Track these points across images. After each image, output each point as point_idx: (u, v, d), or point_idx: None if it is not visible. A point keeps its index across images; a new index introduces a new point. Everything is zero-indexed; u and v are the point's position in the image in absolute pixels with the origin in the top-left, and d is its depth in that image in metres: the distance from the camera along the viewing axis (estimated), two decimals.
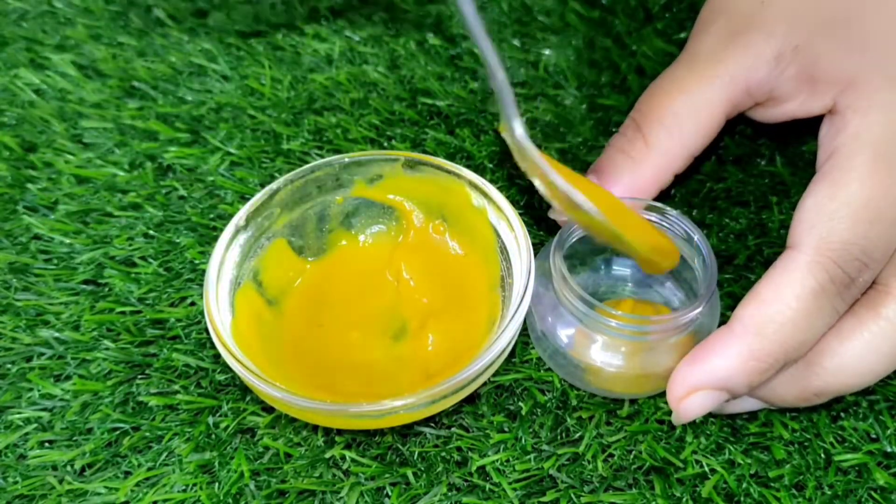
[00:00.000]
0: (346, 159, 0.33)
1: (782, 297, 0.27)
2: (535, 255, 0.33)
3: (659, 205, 0.31)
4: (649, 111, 0.32)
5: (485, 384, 0.32)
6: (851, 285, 0.27)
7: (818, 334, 0.27)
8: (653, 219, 0.32)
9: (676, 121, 0.31)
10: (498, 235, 0.32)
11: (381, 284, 0.34)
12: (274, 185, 0.32)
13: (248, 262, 0.32)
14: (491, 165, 0.40)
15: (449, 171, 0.33)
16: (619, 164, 0.32)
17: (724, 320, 0.32)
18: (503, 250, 0.32)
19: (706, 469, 0.30)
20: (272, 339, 0.31)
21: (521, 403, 0.32)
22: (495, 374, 0.32)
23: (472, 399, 0.32)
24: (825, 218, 0.27)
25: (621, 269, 0.35)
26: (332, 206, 0.34)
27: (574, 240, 0.32)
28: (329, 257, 0.34)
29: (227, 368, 0.33)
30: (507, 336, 0.28)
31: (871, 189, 0.27)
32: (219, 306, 0.29)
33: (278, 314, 0.32)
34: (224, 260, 0.31)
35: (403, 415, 0.28)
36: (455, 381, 0.27)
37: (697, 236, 0.30)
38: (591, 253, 0.34)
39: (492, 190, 0.32)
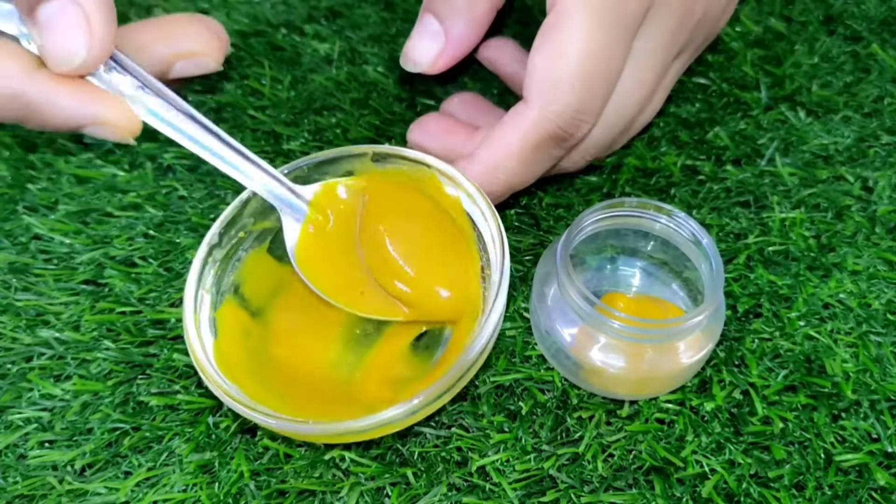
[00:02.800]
0: (315, 159, 0.33)
1: (510, 146, 0.32)
2: (541, 253, 0.34)
3: (666, 206, 0.31)
4: None
5: (485, 384, 0.32)
6: (570, 138, 0.32)
7: (538, 174, 0.34)
8: (661, 220, 0.32)
9: None
10: (473, 224, 0.32)
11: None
12: (244, 195, 0.32)
13: (227, 278, 0.32)
14: None
15: (417, 161, 0.33)
16: (458, 5, 0.35)
17: (725, 319, 0.32)
18: (480, 238, 0.32)
19: (706, 469, 0.30)
20: (259, 353, 0.30)
21: (521, 403, 0.32)
22: (495, 374, 0.32)
23: (472, 399, 0.32)
24: (550, 82, 0.31)
25: (627, 268, 0.35)
26: None
27: (581, 239, 0.32)
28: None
29: None
30: (488, 329, 0.28)
31: (587, 54, 0.31)
32: (199, 330, 0.29)
33: (264, 325, 0.32)
34: (201, 281, 0.30)
35: (391, 426, 0.27)
36: (440, 385, 0.27)
37: (706, 240, 0.30)
38: (597, 252, 0.34)
39: (462, 179, 0.32)
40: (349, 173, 0.33)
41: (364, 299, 0.32)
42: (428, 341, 0.32)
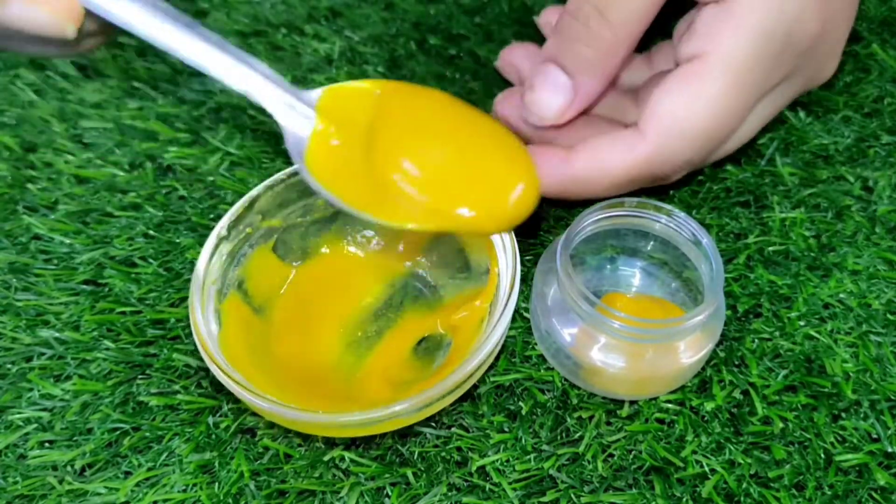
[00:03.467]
0: None
1: (611, 169, 0.32)
2: (541, 253, 0.34)
3: (666, 206, 0.31)
4: None
5: (485, 384, 0.32)
6: (666, 179, 0.34)
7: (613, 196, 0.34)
8: (661, 220, 0.32)
9: (638, 7, 0.31)
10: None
11: (366, 286, 0.34)
12: (253, 192, 0.32)
13: (232, 272, 0.32)
14: None
15: None
16: (589, 60, 0.32)
17: (725, 319, 0.32)
18: (489, 246, 0.32)
19: (706, 469, 0.30)
20: (261, 348, 0.31)
21: (521, 403, 0.32)
22: (495, 374, 0.32)
23: (472, 399, 0.32)
24: (672, 128, 0.31)
25: (627, 268, 0.35)
26: (314, 209, 0.34)
27: (581, 239, 0.32)
28: (313, 262, 0.34)
29: None
30: (496, 335, 0.28)
31: (717, 114, 0.31)
32: (205, 318, 0.29)
33: (266, 322, 0.32)
34: (208, 271, 0.30)
35: (397, 420, 0.28)
36: (446, 383, 0.27)
37: (706, 240, 0.30)
38: (597, 252, 0.34)
39: None
40: None
41: (379, 203, 0.30)
42: (428, 345, 0.32)
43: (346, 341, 0.32)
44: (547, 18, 0.42)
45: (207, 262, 0.31)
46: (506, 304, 0.29)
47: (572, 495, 0.29)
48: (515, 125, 0.38)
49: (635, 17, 0.31)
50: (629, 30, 0.31)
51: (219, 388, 0.32)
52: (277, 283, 0.33)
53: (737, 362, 0.33)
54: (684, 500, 0.29)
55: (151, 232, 0.38)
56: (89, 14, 0.26)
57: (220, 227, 0.31)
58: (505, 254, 0.30)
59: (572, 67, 0.33)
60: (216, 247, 0.31)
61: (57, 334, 0.34)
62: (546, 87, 0.33)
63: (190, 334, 0.34)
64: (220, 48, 0.28)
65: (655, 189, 0.39)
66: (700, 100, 0.31)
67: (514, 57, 0.42)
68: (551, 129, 0.36)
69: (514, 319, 0.34)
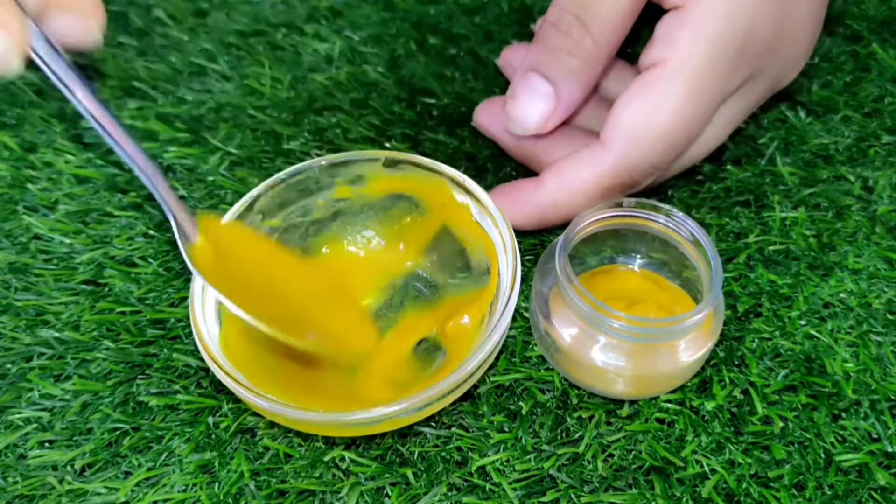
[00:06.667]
0: (326, 161, 0.33)
1: (581, 185, 0.33)
2: (541, 253, 0.34)
3: (665, 206, 0.31)
4: (590, 4, 0.32)
5: (485, 384, 0.32)
6: (636, 186, 0.34)
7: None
8: (659, 220, 0.32)
9: (618, 14, 0.31)
10: (483, 231, 0.32)
11: (366, 286, 0.34)
12: (254, 192, 0.32)
13: None
14: (491, 166, 0.40)
15: (430, 169, 0.33)
16: (571, 68, 0.32)
17: (725, 319, 0.32)
18: (490, 245, 0.32)
19: (706, 469, 0.30)
20: (261, 348, 0.30)
21: (521, 403, 0.32)
22: (495, 374, 0.32)
23: (472, 399, 0.32)
24: (635, 137, 0.32)
25: (626, 269, 0.35)
26: (314, 209, 0.34)
27: (580, 239, 0.32)
28: (313, 261, 0.34)
29: None
30: (497, 335, 0.28)
31: (678, 119, 0.31)
32: (205, 318, 0.29)
33: None
34: None
35: (397, 420, 0.28)
36: (447, 383, 0.27)
37: (705, 240, 0.30)
38: (597, 252, 0.34)
39: (473, 186, 0.32)
40: (359, 177, 0.34)
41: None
42: (428, 346, 0.32)
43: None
44: (507, 59, 0.42)
45: None
46: (506, 304, 0.29)
47: (572, 495, 0.29)
48: (495, 134, 0.38)
49: (614, 25, 0.32)
50: (609, 37, 0.32)
51: (219, 388, 0.32)
52: None
53: (737, 362, 0.33)
54: (684, 500, 0.29)
55: (151, 232, 0.38)
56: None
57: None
58: (506, 254, 0.30)
59: (555, 76, 0.33)
60: None
61: (57, 334, 0.34)
62: (528, 95, 0.33)
63: (190, 334, 0.34)
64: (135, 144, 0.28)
65: (655, 189, 0.39)
66: (659, 107, 0.31)
67: (515, 57, 0.41)
68: (532, 139, 0.36)
69: (514, 319, 0.34)
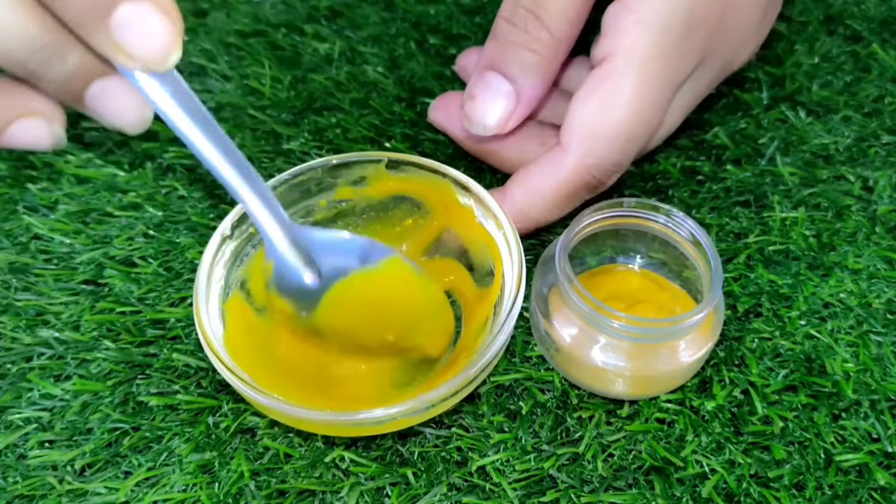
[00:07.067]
0: (329, 162, 0.33)
1: (545, 190, 0.32)
2: (541, 253, 0.34)
3: (665, 206, 0.31)
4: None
5: (484, 384, 0.32)
6: (601, 186, 0.33)
7: (565, 213, 0.34)
8: (659, 220, 0.32)
9: (573, 5, 0.31)
10: (487, 233, 0.32)
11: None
12: None
13: (235, 271, 0.32)
14: (490, 167, 0.40)
15: (432, 170, 0.33)
16: (529, 63, 0.32)
17: (725, 319, 0.32)
18: (493, 247, 0.32)
19: (706, 469, 0.30)
20: (264, 348, 0.30)
21: (521, 403, 0.32)
22: (495, 374, 0.32)
23: (472, 399, 0.32)
24: (592, 137, 0.31)
25: (626, 269, 0.35)
26: (317, 209, 0.34)
27: (580, 239, 0.32)
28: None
29: None
30: (502, 337, 0.28)
31: (633, 113, 0.31)
32: (209, 316, 0.29)
33: (268, 322, 0.32)
34: (212, 271, 0.30)
35: (401, 420, 0.27)
36: (451, 384, 0.27)
37: (705, 240, 0.30)
38: (597, 252, 0.34)
39: (477, 187, 0.32)
40: (362, 178, 0.34)
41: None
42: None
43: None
44: (463, 65, 0.41)
45: (211, 261, 0.30)
46: (512, 305, 0.28)
47: (572, 495, 0.29)
48: (452, 132, 0.38)
49: (570, 16, 0.31)
50: (566, 29, 0.31)
51: (219, 388, 0.32)
52: None
53: (737, 362, 0.33)
54: (684, 500, 0.29)
55: (151, 232, 0.38)
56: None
57: (224, 226, 0.31)
58: (510, 255, 0.30)
59: (513, 72, 0.32)
60: (220, 245, 0.31)
61: (57, 334, 0.34)
62: (488, 95, 0.33)
63: (190, 334, 0.34)
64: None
65: (655, 189, 0.39)
66: (613, 103, 0.31)
67: (471, 62, 0.41)
68: (494, 140, 0.35)
69: None
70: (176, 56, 0.22)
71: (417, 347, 0.31)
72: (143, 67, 0.22)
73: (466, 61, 0.41)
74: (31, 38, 0.23)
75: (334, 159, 0.33)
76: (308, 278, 0.29)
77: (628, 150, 0.32)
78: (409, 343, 0.31)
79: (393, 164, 0.33)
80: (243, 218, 0.32)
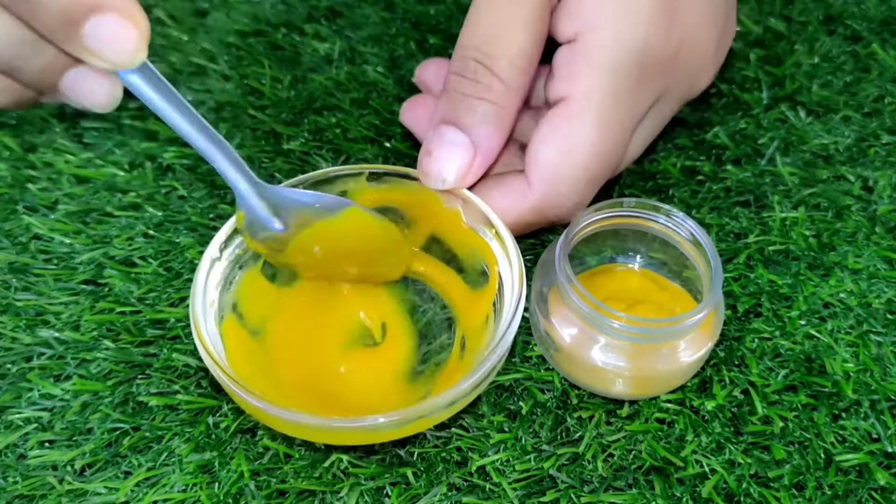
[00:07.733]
0: (310, 179, 0.33)
1: (505, 217, 0.32)
2: (541, 253, 0.34)
3: (665, 206, 0.31)
4: (492, 48, 0.31)
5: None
6: (560, 221, 0.34)
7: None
8: (659, 220, 0.32)
9: (522, 53, 0.31)
10: (475, 234, 0.32)
11: (358, 296, 0.34)
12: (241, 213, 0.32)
13: (226, 294, 0.31)
14: None
15: (415, 179, 0.33)
16: (484, 113, 0.31)
17: (725, 319, 0.32)
18: (483, 247, 0.32)
19: (706, 469, 0.30)
20: (263, 369, 0.30)
21: (521, 403, 0.32)
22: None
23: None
24: (555, 178, 0.32)
25: (626, 269, 0.35)
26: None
27: (580, 239, 0.32)
28: (303, 280, 0.33)
29: None
30: (511, 334, 0.28)
31: (595, 154, 0.31)
32: (206, 318, 0.29)
33: (264, 344, 0.31)
34: (206, 290, 0.30)
35: (394, 430, 0.27)
36: (450, 394, 0.27)
37: (704, 240, 0.30)
38: (597, 252, 0.34)
39: (462, 190, 0.32)
40: (343, 193, 0.33)
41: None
42: (429, 350, 0.32)
43: (348, 356, 0.32)
44: (421, 77, 0.41)
45: (204, 281, 0.30)
46: (518, 301, 0.28)
47: (572, 495, 0.29)
48: (421, 136, 0.37)
49: (520, 63, 0.31)
50: (517, 76, 0.31)
51: (219, 388, 0.32)
52: (269, 305, 0.32)
53: (737, 362, 0.33)
54: (684, 500, 0.29)
55: (151, 232, 0.38)
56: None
57: (212, 248, 0.31)
58: (505, 251, 0.30)
59: (468, 123, 0.31)
60: (210, 267, 0.30)
61: (57, 334, 0.34)
62: (444, 149, 0.32)
63: (190, 334, 0.34)
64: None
65: (655, 189, 0.39)
66: (573, 146, 0.31)
67: (428, 73, 0.40)
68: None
69: None
70: (142, 55, 0.25)
71: (379, 275, 0.33)
72: (113, 68, 0.25)
73: (424, 73, 0.40)
74: (10, 37, 0.25)
75: (315, 176, 0.33)
76: (277, 224, 0.31)
77: (589, 190, 0.33)
78: (371, 272, 0.33)
79: (374, 177, 0.33)
80: (230, 238, 0.31)
